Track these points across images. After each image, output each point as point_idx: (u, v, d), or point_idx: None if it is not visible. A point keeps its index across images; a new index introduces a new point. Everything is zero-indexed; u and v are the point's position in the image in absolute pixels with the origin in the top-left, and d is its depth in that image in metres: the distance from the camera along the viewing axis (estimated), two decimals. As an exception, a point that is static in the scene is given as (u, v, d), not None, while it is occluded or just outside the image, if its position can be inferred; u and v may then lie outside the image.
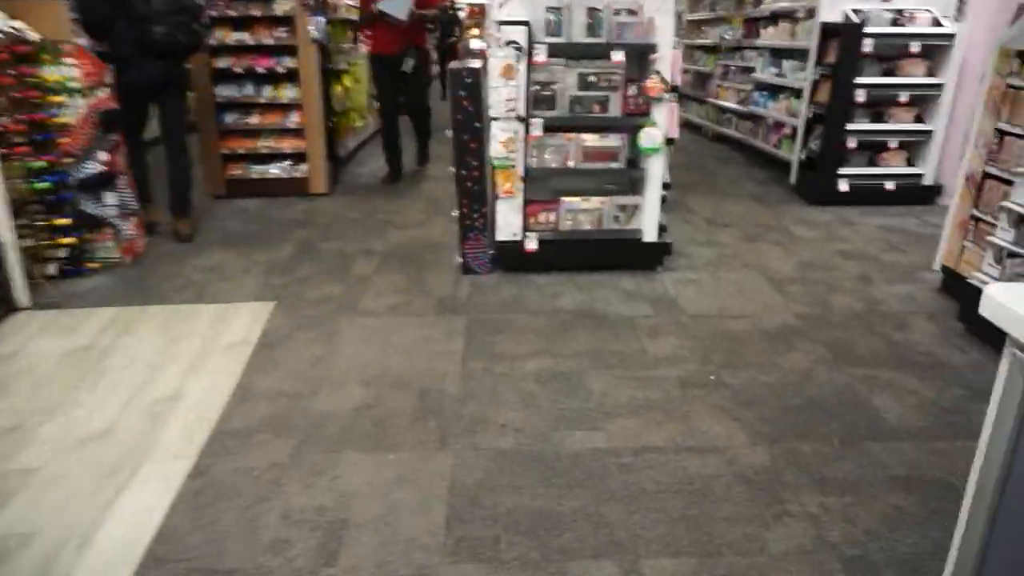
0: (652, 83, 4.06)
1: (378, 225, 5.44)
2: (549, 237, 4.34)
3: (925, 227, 5.43)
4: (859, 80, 5.61)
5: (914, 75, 5.68)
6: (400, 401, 2.99)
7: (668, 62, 4.05)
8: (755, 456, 2.63)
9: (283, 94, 5.89)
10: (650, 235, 4.37)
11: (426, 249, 4.89)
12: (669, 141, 4.26)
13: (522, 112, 4.05)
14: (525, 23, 3.90)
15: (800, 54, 6.66)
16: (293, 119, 5.94)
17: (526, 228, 4.32)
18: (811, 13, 6.31)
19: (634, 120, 4.19)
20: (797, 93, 6.67)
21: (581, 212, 4.32)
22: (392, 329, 3.66)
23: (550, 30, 4.01)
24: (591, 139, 4.20)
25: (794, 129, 6.61)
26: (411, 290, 4.17)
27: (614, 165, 4.27)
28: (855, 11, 5.68)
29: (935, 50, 5.69)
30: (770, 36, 7.32)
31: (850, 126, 5.75)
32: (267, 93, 5.91)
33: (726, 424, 2.84)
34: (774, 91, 7.27)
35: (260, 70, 5.79)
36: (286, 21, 5.70)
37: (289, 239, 5.10)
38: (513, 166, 4.15)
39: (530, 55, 3.95)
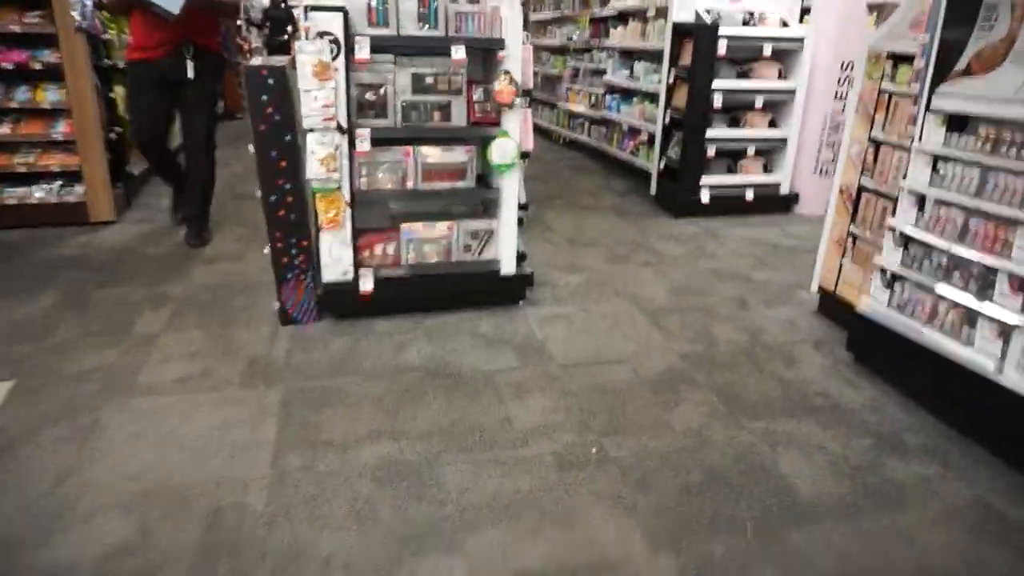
0: (501, 86, 3.39)
1: (179, 260, 4.38)
2: (388, 274, 3.56)
3: (788, 238, 5.21)
4: (716, 84, 5.30)
5: (767, 78, 5.46)
6: (177, 534, 2.11)
7: (518, 61, 3.40)
8: (660, 571, 2.03)
9: (43, 97, 4.65)
10: (508, 265, 3.72)
11: (239, 291, 3.94)
12: (524, 155, 3.62)
13: (344, 122, 3.25)
14: (341, 9, 3.10)
15: (652, 56, 6.33)
16: (60, 129, 4.72)
17: (359, 264, 3.52)
18: (661, 13, 5.97)
19: (482, 130, 3.51)
20: (651, 97, 6.33)
21: (426, 242, 3.58)
22: (179, 414, 2.74)
23: (373, 20, 3.23)
24: (433, 154, 3.47)
25: (651, 136, 6.27)
26: (212, 352, 3.24)
27: (462, 184, 3.57)
28: (707, 11, 5.36)
29: (786, 53, 5.51)
30: (619, 37, 6.96)
31: (709, 132, 5.44)
32: (21, 96, 4.65)
33: (619, 521, 2.23)
34: (627, 95, 6.93)
35: (7, 66, 4.52)
36: (41, 2, 4.47)
37: (50, 286, 3.94)
38: (338, 189, 3.33)
39: (350, 51, 3.15)
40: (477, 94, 3.50)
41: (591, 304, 3.92)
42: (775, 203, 5.77)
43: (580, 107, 8.10)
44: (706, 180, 5.59)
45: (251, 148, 3.25)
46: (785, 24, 5.51)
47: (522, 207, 3.73)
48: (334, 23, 3.09)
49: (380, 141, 3.37)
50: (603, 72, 7.47)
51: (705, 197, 5.60)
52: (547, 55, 9.45)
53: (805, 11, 5.64)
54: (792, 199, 5.81)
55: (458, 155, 3.52)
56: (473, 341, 3.42)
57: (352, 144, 3.29)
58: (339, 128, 3.25)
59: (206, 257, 4.47)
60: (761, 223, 5.55)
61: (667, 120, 5.74)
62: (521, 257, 3.79)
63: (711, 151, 5.50)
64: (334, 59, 3.14)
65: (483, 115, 3.51)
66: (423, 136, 3.46)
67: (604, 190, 6.60)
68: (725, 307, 3.93)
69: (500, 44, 3.36)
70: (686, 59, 5.46)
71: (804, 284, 4.15)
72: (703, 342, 3.49)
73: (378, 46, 3.20)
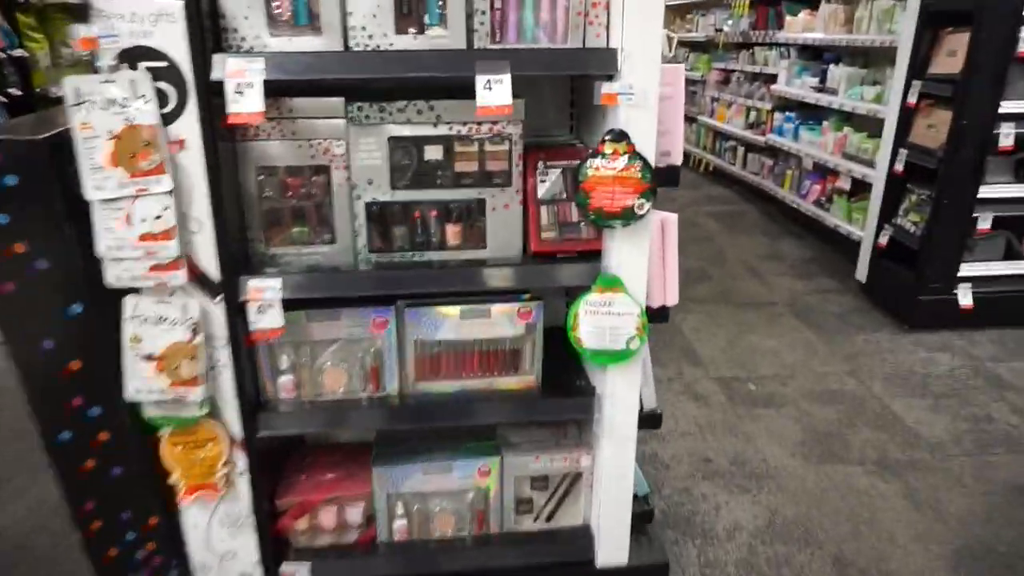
0: (608, 172, 1.34)
1: None
2: (350, 567, 1.62)
3: None
4: (1006, 107, 2.97)
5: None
6: None
7: (650, 111, 1.33)
8: None
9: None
10: (613, 549, 1.67)
11: None
12: (657, 314, 1.54)
13: (212, 266, 1.32)
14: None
15: (866, 56, 4.01)
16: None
17: (280, 554, 1.60)
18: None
19: (557, 270, 1.47)
20: (860, 121, 4.02)
21: (432, 498, 1.62)
22: None
23: (287, 15, 1.27)
24: (445, 322, 1.48)
25: (857, 182, 3.96)
26: None
27: (508, 383, 1.56)
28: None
29: None
30: (802, 26, 4.65)
31: (984, 190, 3.11)
32: None
33: None
34: (813, 114, 4.61)
35: None
36: None
37: None
38: (206, 418, 1.41)
39: (207, 95, 1.21)
40: (548, 184, 1.47)
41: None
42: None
43: (732, 125, 5.82)
44: (969, 269, 3.26)
45: None
46: None
47: (650, 418, 1.65)
48: (166, 32, 1.17)
49: (317, 302, 1.43)
50: (771, 78, 5.17)
51: (966, 298, 3.27)
52: (683, 52, 7.19)
53: None
54: None
55: (500, 324, 1.51)
56: None
57: (236, 314, 1.37)
58: (200, 282, 1.33)
59: None
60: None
61: (898, 164, 3.42)
62: (643, 519, 1.72)
63: (985, 221, 3.16)
64: (169, 119, 1.22)
65: (560, 238, 1.48)
66: (420, 288, 1.47)
67: (773, 261, 4.32)
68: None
69: (607, 65, 1.31)
70: (945, 65, 3.14)
71: None
72: None
73: (303, 79, 1.25)
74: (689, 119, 6.81)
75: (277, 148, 1.40)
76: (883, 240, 3.52)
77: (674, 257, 1.52)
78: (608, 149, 1.35)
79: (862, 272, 3.73)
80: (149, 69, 1.20)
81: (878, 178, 3.58)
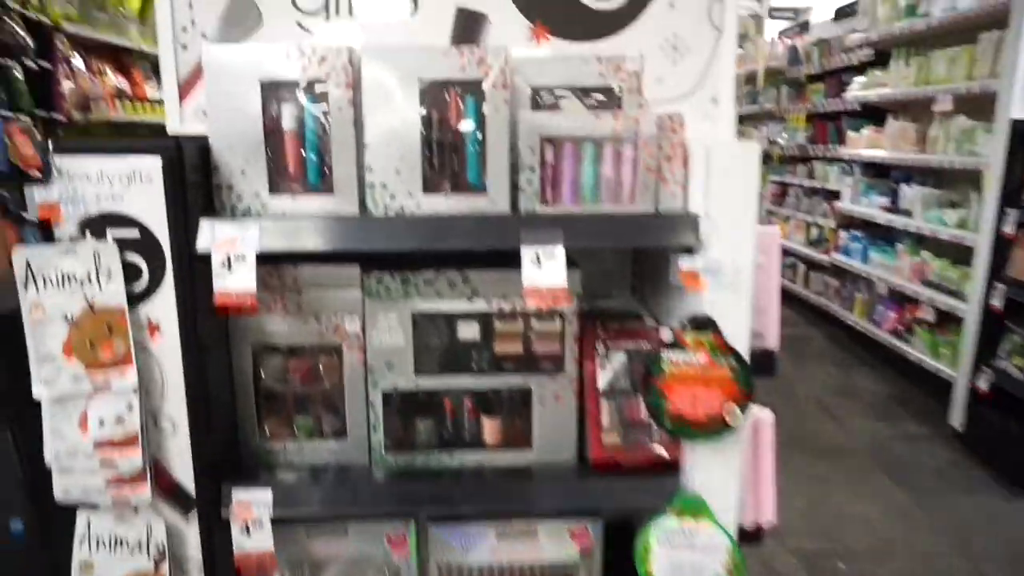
0: (687, 368, 1.04)
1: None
2: None
3: None
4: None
5: None
6: None
7: (745, 292, 1.04)
8: None
9: None
10: None
11: None
12: (750, 535, 1.18)
13: (186, 478, 1.04)
14: (168, 149, 0.96)
15: (941, 177, 3.72)
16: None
17: None
18: (971, 106, 3.39)
19: (623, 486, 1.15)
20: (939, 246, 3.68)
21: None
22: None
23: (293, 171, 1.05)
24: (487, 537, 1.16)
25: (943, 314, 3.58)
26: None
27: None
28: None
29: None
30: (868, 142, 4.41)
31: (1104, 336, 2.70)
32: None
33: None
34: (884, 236, 4.29)
35: None
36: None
37: None
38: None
39: (184, 260, 0.97)
40: (610, 372, 1.18)
41: None
42: None
43: (792, 242, 5.53)
44: (1090, 423, 2.79)
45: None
46: None
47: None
48: (140, 195, 0.95)
49: (311, 519, 1.13)
50: (832, 194, 4.90)
51: (1088, 458, 2.79)
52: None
53: None
54: None
55: (548, 547, 1.18)
56: None
57: (215, 532, 1.07)
58: (171, 493, 1.05)
59: None
60: None
61: (995, 300, 3.04)
62: None
63: (1106, 370, 2.73)
64: (141, 298, 0.98)
65: (626, 444, 1.16)
66: (448, 510, 1.16)
67: (848, 398, 3.89)
68: None
69: (686, 235, 1.04)
70: (1044, 191, 2.81)
71: None
72: None
73: (306, 251, 1.01)
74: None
75: (278, 324, 1.15)
76: (983, 385, 3.09)
77: (770, 465, 1.18)
78: (689, 339, 1.05)
79: (957, 418, 3.28)
80: (118, 239, 0.98)
81: (970, 312, 3.20)
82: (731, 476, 1.10)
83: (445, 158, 1.06)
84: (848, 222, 4.70)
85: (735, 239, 1.04)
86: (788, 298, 5.81)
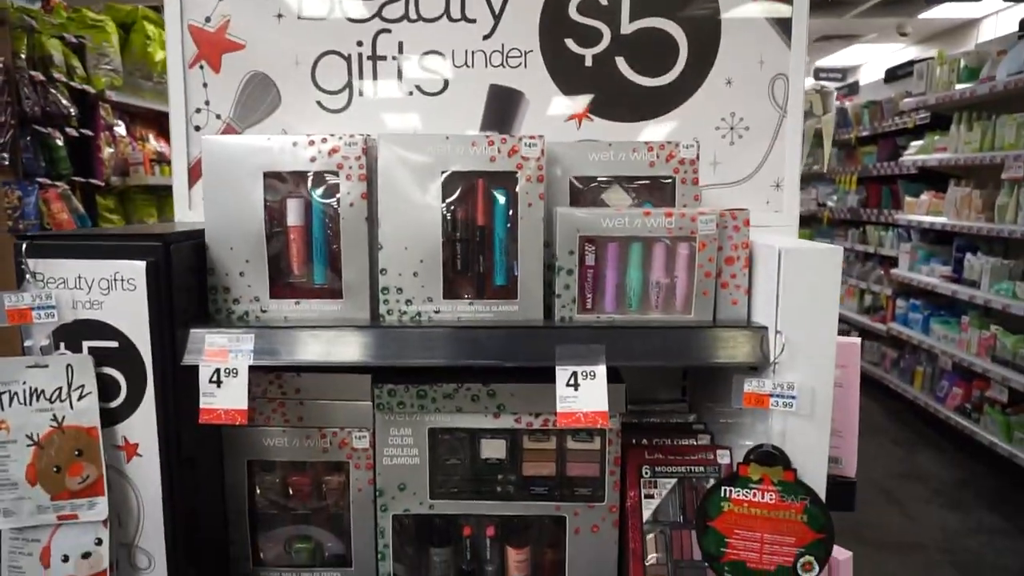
0: (754, 505, 0.86)
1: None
2: None
3: None
4: None
5: None
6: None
7: (823, 421, 0.87)
8: None
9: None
10: None
11: None
12: None
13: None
14: (153, 257, 0.84)
15: (1005, 244, 3.47)
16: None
17: None
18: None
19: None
20: (1008, 319, 3.41)
21: None
22: None
23: (301, 271, 0.92)
24: None
25: (1018, 396, 3.29)
26: None
27: None
28: None
29: None
30: (927, 208, 4.18)
31: None
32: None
33: None
34: (946, 304, 4.03)
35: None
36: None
37: None
38: None
39: (170, 388, 0.85)
40: (657, 500, 1.00)
41: None
42: None
43: (844, 308, 5.25)
44: None
45: None
46: None
47: None
48: (121, 303, 0.84)
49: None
50: (887, 260, 4.66)
51: None
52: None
53: None
54: None
55: None
56: None
57: None
58: (141, 646, 0.90)
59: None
60: None
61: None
62: None
63: None
64: (118, 417, 0.86)
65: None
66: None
67: (913, 482, 3.58)
68: None
69: (750, 352, 0.87)
70: None
71: None
72: None
73: (305, 364, 0.88)
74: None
75: (278, 438, 1.01)
76: (1068, 478, 2.78)
77: (852, 622, 0.99)
78: (754, 475, 0.88)
79: (1039, 514, 2.96)
80: (94, 350, 0.86)
81: (1051, 397, 2.92)
82: (806, 644, 0.91)
83: (470, 259, 0.93)
84: (905, 289, 4.44)
85: (811, 358, 0.87)
86: (840, 367, 5.50)
